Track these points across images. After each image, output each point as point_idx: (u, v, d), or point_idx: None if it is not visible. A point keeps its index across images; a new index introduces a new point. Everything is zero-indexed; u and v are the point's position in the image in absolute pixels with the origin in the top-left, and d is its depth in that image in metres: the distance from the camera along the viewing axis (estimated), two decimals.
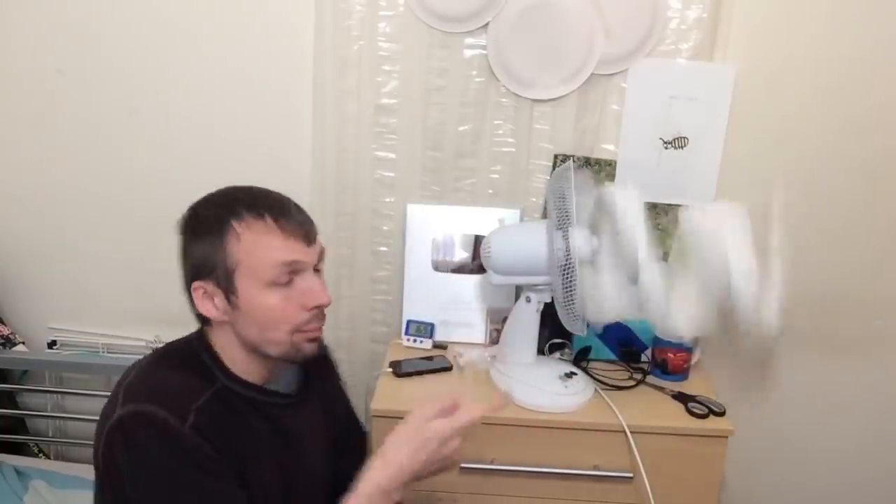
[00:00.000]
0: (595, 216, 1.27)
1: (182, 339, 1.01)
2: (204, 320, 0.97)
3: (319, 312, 0.96)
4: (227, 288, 0.92)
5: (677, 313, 1.19)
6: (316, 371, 1.11)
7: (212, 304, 0.94)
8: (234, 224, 0.91)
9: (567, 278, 1.23)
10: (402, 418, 1.27)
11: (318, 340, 0.99)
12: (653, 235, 1.20)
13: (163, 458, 0.85)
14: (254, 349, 0.96)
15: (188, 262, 0.94)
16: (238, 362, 0.97)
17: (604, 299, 1.20)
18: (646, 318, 1.22)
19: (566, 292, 1.24)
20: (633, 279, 1.19)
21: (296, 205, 0.98)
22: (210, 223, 0.93)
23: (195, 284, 0.94)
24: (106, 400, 0.93)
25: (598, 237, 1.26)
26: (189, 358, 0.97)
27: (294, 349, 0.96)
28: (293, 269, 0.93)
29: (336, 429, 1.15)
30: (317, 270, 0.98)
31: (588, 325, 1.28)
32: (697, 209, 1.22)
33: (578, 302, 1.24)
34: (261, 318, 0.93)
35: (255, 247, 0.91)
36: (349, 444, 1.19)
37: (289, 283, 0.93)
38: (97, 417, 0.92)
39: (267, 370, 1.00)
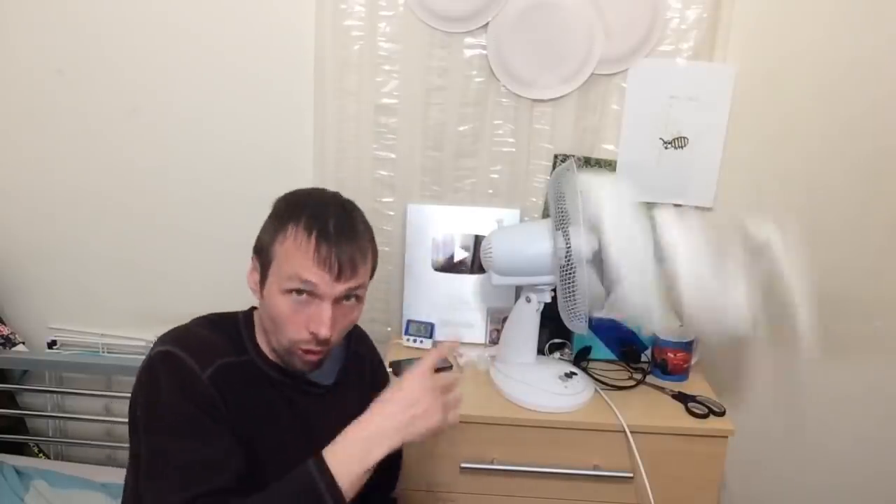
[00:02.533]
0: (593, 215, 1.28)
1: (230, 312, 1.07)
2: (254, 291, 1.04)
3: (320, 339, 0.97)
4: (262, 274, 1.00)
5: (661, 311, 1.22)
6: (359, 365, 1.14)
7: (252, 279, 1.02)
8: (290, 226, 0.97)
9: (568, 278, 1.23)
10: None
11: (313, 362, 1.00)
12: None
13: (173, 394, 0.91)
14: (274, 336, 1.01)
15: (259, 235, 1.02)
16: (267, 341, 1.02)
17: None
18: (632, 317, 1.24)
19: (567, 292, 1.24)
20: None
21: (354, 237, 0.98)
22: (280, 214, 0.99)
23: (253, 256, 1.02)
24: (107, 400, 0.94)
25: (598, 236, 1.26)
26: (230, 326, 1.04)
27: (289, 357, 1.00)
28: (310, 291, 0.95)
29: None
30: (348, 300, 0.99)
31: (590, 323, 1.29)
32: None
33: (580, 301, 1.24)
34: (272, 314, 0.98)
35: (289, 254, 0.96)
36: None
37: (305, 301, 0.96)
38: (97, 417, 0.93)
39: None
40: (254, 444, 0.95)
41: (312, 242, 0.95)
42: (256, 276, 1.01)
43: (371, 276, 1.04)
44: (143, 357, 0.97)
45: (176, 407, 0.90)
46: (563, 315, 1.29)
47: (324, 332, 0.95)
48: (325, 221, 0.96)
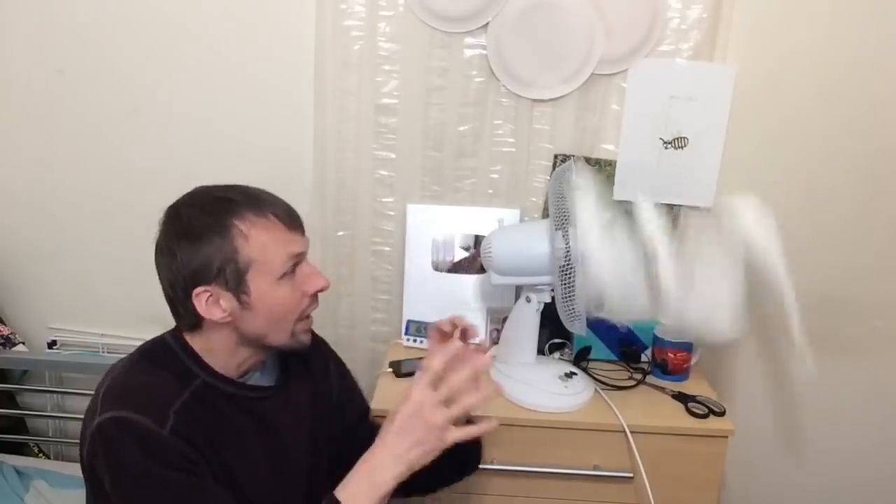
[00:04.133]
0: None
1: (155, 339, 1.01)
2: (195, 323, 0.96)
3: (316, 297, 1.01)
4: (238, 288, 0.92)
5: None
6: (298, 359, 1.11)
7: (218, 308, 0.93)
8: (238, 223, 0.91)
9: (567, 278, 1.23)
10: None
11: (310, 330, 1.03)
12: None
13: (143, 463, 0.85)
14: (253, 343, 0.98)
15: (185, 269, 0.92)
16: (221, 359, 0.98)
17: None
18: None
19: (566, 292, 1.24)
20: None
21: (280, 198, 1.00)
22: (208, 226, 0.91)
23: (198, 290, 0.92)
24: None
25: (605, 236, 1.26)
26: (166, 358, 0.96)
27: (294, 339, 0.99)
28: (297, 261, 0.97)
29: (330, 411, 1.16)
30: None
31: (588, 323, 1.28)
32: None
33: (578, 301, 1.24)
34: (271, 312, 0.95)
35: (266, 244, 0.92)
36: (349, 424, 1.19)
37: (292, 273, 0.96)
38: None
39: (251, 364, 1.02)
40: (232, 468, 0.94)
41: (272, 218, 0.94)
42: (226, 299, 0.92)
43: None
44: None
45: (147, 477, 0.85)
46: (562, 316, 1.29)
47: (323, 281, 0.99)
48: (257, 197, 0.95)
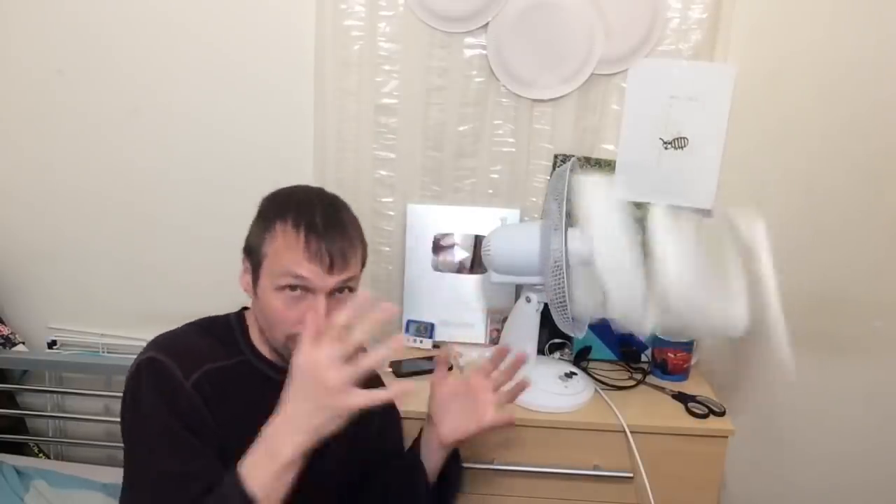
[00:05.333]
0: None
1: (222, 315, 1.08)
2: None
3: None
4: (255, 274, 1.00)
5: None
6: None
7: (245, 279, 1.03)
8: (278, 223, 0.98)
9: (560, 279, 1.23)
10: (402, 419, 1.27)
11: None
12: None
13: (154, 407, 0.91)
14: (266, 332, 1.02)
15: (247, 240, 1.03)
16: (260, 339, 1.04)
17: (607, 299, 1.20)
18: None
19: (558, 295, 1.24)
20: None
21: (344, 230, 0.99)
22: (267, 213, 1.01)
23: (244, 257, 1.03)
24: (107, 400, 0.95)
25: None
26: (222, 327, 1.05)
27: (286, 351, 0.98)
28: (303, 286, 0.96)
29: (372, 431, 1.13)
30: (341, 293, 0.99)
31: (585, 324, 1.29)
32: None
33: (574, 304, 1.23)
34: (266, 312, 0.99)
35: (280, 252, 0.97)
36: (383, 454, 1.17)
37: (299, 296, 0.96)
38: (97, 417, 0.95)
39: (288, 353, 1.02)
40: (249, 444, 0.93)
41: (301, 238, 0.95)
42: (248, 278, 1.02)
43: (362, 268, 1.04)
44: None
45: (156, 420, 0.91)
46: (555, 317, 1.29)
47: (304, 329, 0.93)
48: (312, 216, 0.97)
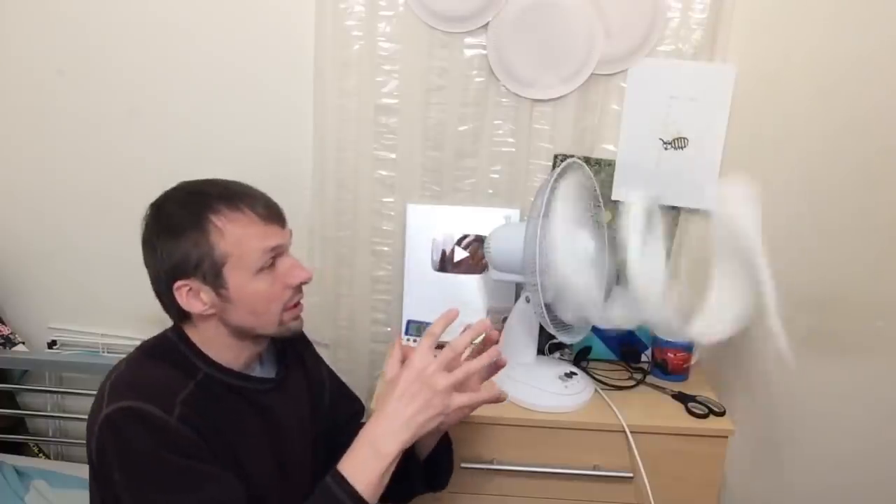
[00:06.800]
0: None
1: (157, 336, 1.03)
2: (182, 316, 0.99)
3: (300, 288, 1.01)
4: (216, 282, 0.94)
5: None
6: (294, 352, 1.14)
7: (198, 301, 0.95)
8: (213, 219, 0.93)
9: (534, 275, 1.22)
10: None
11: (301, 317, 1.03)
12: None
13: (154, 450, 0.86)
14: (244, 334, 0.99)
15: (165, 264, 0.94)
16: (220, 351, 0.99)
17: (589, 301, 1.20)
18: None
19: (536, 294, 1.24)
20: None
21: (260, 191, 1.00)
22: (185, 221, 0.93)
23: (178, 284, 0.94)
24: None
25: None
26: (169, 352, 0.98)
27: (284, 327, 1.00)
28: (276, 254, 0.97)
29: (325, 405, 1.18)
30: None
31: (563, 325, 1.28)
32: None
33: (554, 304, 1.23)
34: (253, 304, 0.96)
35: (241, 238, 0.93)
36: (344, 418, 1.21)
37: (272, 266, 0.97)
38: None
39: (249, 356, 1.03)
40: (239, 458, 0.95)
41: (248, 213, 0.94)
42: (207, 295, 0.94)
43: None
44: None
45: (158, 463, 0.86)
46: (542, 323, 1.28)
47: (305, 274, 0.98)
48: (235, 192, 0.96)
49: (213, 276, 0.93)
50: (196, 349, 0.98)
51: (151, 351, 0.99)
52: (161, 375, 0.94)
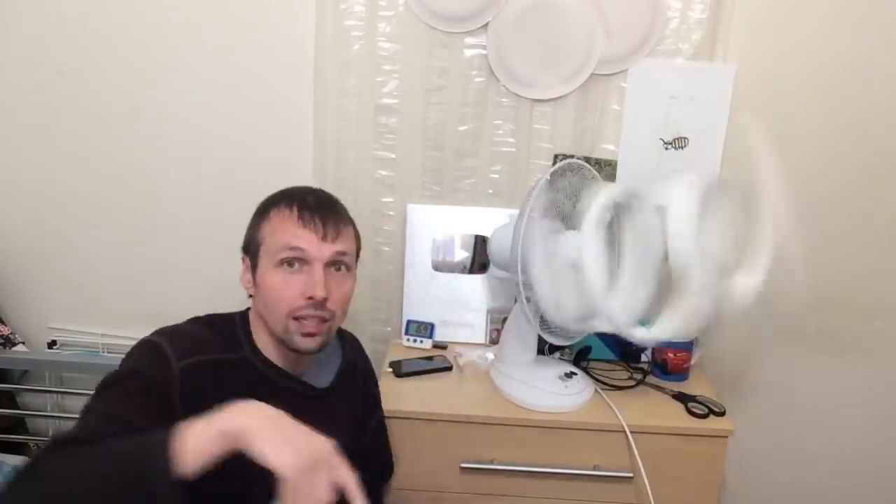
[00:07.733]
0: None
1: (231, 312, 1.08)
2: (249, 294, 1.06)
3: (317, 305, 0.98)
4: (254, 263, 1.02)
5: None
6: (357, 382, 1.15)
7: (246, 277, 1.04)
8: (272, 210, 1.01)
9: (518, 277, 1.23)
10: (402, 419, 1.28)
11: (314, 338, 0.99)
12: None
13: (134, 366, 0.89)
14: (267, 328, 1.01)
15: (245, 238, 1.05)
16: (267, 345, 1.03)
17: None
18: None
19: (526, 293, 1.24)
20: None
21: (334, 208, 1.03)
22: (262, 207, 1.04)
23: (242, 257, 1.05)
24: None
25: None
26: (225, 325, 1.04)
27: (289, 336, 0.99)
28: (301, 257, 0.97)
29: (355, 448, 1.06)
30: (338, 270, 1.02)
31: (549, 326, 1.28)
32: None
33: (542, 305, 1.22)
34: (267, 295, 0.99)
35: (275, 228, 0.99)
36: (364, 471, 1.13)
37: (297, 270, 0.98)
38: None
39: (294, 359, 1.04)
40: None
41: (295, 212, 0.99)
42: (249, 275, 1.03)
43: (357, 256, 1.06)
44: None
45: (131, 371, 0.89)
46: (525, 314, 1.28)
47: (319, 292, 0.96)
48: (304, 197, 1.01)
49: (253, 258, 1.02)
50: (248, 331, 1.04)
51: (212, 318, 1.05)
52: (198, 332, 0.99)
